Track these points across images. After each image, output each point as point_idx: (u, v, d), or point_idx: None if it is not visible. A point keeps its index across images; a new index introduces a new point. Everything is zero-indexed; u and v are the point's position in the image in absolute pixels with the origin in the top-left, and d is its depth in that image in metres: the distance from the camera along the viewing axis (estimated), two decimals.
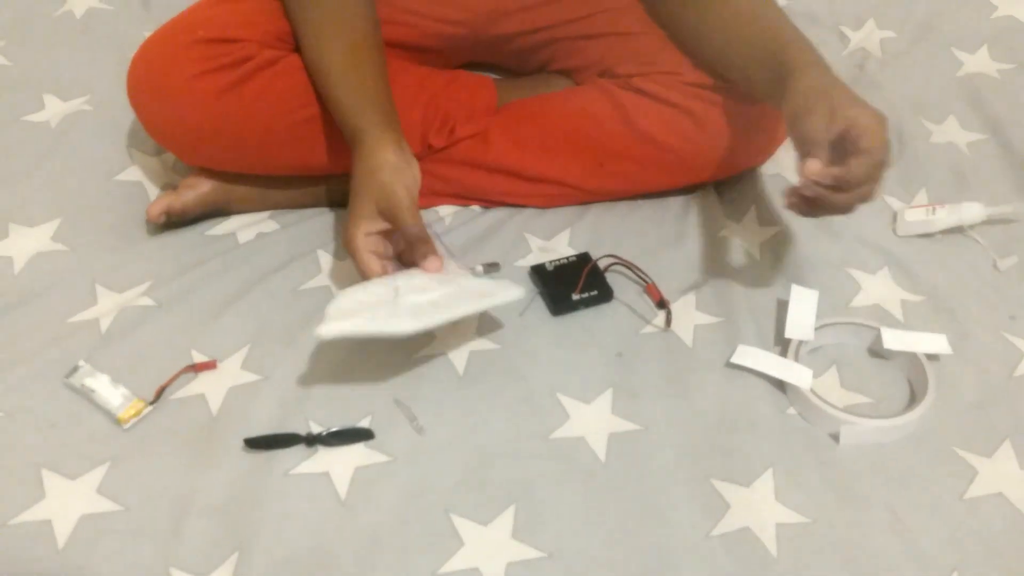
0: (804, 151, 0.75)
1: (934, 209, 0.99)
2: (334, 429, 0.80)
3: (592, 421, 0.82)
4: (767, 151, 1.04)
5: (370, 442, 0.80)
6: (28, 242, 0.98)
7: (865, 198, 0.75)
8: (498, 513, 0.75)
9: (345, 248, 0.84)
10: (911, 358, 0.86)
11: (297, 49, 0.95)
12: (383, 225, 0.84)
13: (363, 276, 0.83)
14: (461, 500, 0.76)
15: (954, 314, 0.91)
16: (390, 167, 0.83)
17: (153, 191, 1.05)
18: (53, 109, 1.14)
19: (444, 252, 0.87)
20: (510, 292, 0.84)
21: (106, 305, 0.91)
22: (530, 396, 0.84)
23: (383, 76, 0.90)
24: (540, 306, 0.92)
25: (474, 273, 0.87)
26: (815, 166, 0.72)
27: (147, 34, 1.23)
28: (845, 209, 0.76)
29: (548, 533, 0.74)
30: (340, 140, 0.94)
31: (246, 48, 0.92)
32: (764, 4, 0.90)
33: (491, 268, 0.90)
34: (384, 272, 0.83)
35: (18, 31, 1.26)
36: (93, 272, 0.95)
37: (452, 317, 0.80)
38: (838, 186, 0.73)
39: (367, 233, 0.83)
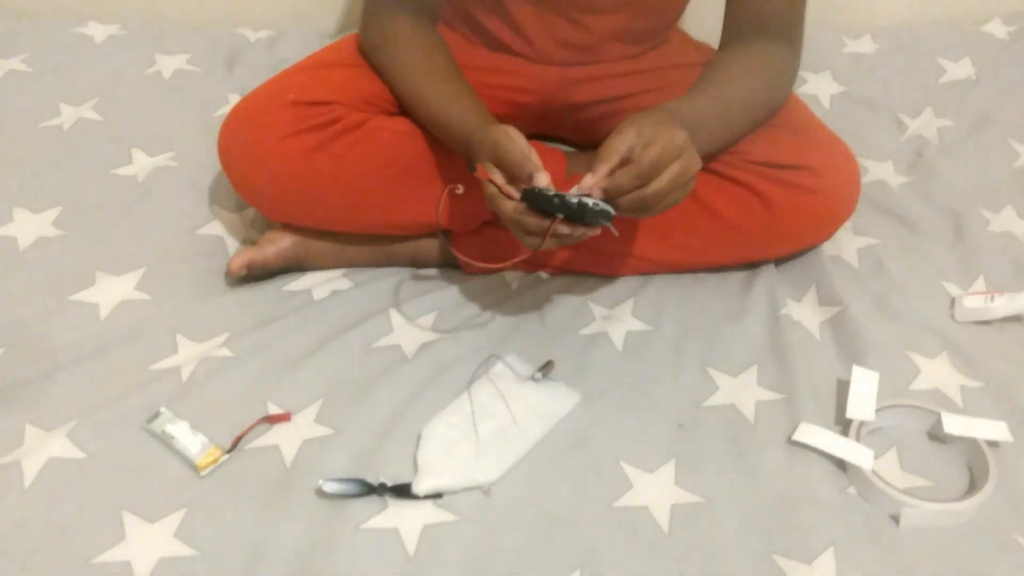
0: (594, 166, 0.80)
1: (992, 297, 1.01)
2: (404, 483, 0.82)
3: (655, 491, 0.83)
4: (828, 230, 1.07)
5: (438, 500, 0.82)
6: (114, 290, 1.02)
7: (634, 206, 0.80)
8: None
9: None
10: (971, 444, 0.87)
11: (383, 112, 1.00)
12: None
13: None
14: (527, 562, 0.77)
15: (1013, 401, 0.92)
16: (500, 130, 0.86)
17: (233, 246, 1.09)
18: (140, 163, 1.19)
19: (506, 368, 0.93)
20: (569, 402, 0.91)
21: (186, 354, 0.95)
22: (594, 463, 0.86)
23: (474, 93, 0.96)
24: (604, 375, 0.94)
25: (533, 380, 0.92)
26: (588, 180, 0.80)
27: (231, 95, 1.30)
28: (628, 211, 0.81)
29: None
30: (421, 200, 0.98)
31: (334, 110, 0.97)
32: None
33: (547, 368, 0.94)
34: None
35: (110, 88, 1.32)
36: (174, 322, 0.98)
37: (526, 449, 0.86)
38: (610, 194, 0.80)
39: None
